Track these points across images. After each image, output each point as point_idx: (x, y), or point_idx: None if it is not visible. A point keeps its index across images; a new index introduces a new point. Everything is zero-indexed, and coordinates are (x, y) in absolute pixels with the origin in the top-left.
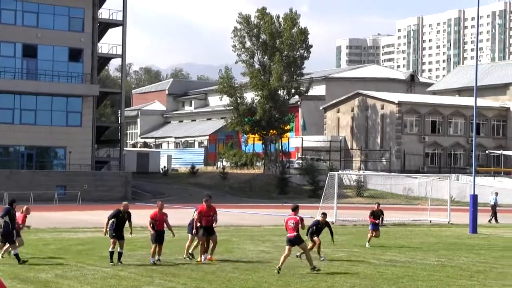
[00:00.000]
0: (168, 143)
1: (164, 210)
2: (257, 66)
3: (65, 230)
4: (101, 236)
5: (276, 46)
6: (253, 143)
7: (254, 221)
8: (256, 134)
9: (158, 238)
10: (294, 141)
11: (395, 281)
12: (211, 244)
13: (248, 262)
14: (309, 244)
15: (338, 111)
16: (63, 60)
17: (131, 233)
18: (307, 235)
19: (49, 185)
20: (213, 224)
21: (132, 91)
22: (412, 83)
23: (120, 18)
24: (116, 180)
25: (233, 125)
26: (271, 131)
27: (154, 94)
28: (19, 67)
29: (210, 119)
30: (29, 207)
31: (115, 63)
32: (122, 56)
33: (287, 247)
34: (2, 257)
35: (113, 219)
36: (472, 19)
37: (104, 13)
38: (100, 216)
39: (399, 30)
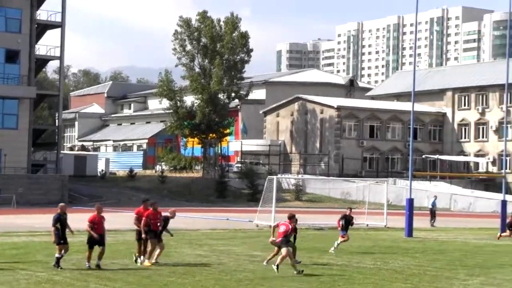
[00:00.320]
0: (106, 147)
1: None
2: (197, 69)
3: None
4: (35, 240)
5: (217, 49)
6: (193, 147)
7: (192, 224)
8: (196, 138)
9: (98, 241)
10: (233, 145)
11: (332, 285)
12: (156, 249)
13: (185, 266)
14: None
15: (277, 115)
16: None
17: (72, 232)
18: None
19: None
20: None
21: (71, 93)
22: (351, 88)
23: (58, 19)
24: (52, 184)
25: (172, 129)
26: (211, 134)
27: (92, 97)
28: None
29: (149, 122)
30: None
31: (53, 65)
32: (61, 58)
33: (276, 248)
34: None
35: (57, 225)
36: (411, 25)
37: (42, 15)
38: (35, 220)
39: (339, 35)
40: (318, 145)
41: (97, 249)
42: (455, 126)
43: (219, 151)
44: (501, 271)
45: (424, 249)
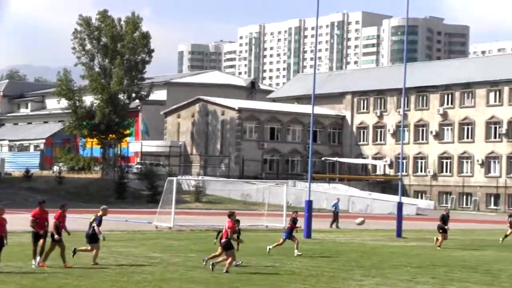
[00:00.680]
0: (2, 146)
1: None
2: (97, 69)
3: None
4: None
5: (117, 49)
6: (91, 147)
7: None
8: (95, 138)
9: None
10: (133, 146)
11: (230, 286)
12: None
13: (82, 268)
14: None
15: (178, 116)
16: None
17: None
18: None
19: None
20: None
21: None
22: (252, 90)
23: None
24: None
25: (71, 129)
26: (110, 135)
27: None
28: None
29: (47, 122)
30: None
31: None
32: None
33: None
34: None
35: None
36: (312, 28)
37: None
38: None
39: (241, 37)
40: (219, 146)
41: None
42: (354, 129)
43: (119, 152)
44: (396, 272)
45: (322, 250)
